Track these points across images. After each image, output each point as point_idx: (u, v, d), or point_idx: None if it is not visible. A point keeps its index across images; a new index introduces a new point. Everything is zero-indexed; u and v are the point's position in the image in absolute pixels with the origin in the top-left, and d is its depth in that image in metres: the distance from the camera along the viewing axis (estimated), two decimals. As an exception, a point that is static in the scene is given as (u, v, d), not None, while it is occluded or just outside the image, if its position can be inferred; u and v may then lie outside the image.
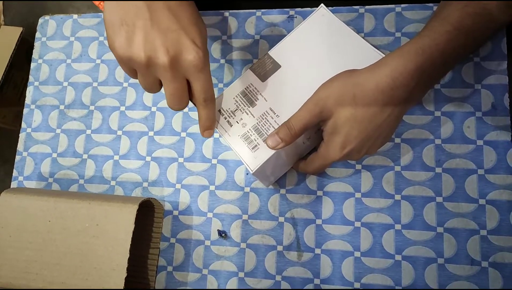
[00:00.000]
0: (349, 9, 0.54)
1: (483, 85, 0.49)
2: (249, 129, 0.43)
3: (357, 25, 0.53)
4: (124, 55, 0.37)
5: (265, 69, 0.45)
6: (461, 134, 0.48)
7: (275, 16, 0.56)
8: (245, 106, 0.44)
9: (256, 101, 0.44)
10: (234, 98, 0.45)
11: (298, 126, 0.41)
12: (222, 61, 0.55)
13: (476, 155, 0.48)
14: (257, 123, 0.43)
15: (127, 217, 0.44)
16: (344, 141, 0.41)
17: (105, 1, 0.38)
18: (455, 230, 0.46)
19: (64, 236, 0.45)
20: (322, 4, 0.46)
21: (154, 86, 0.40)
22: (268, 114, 0.44)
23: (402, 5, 0.53)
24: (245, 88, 0.45)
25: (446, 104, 0.49)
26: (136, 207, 0.44)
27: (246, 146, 0.43)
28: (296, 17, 0.55)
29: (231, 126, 0.44)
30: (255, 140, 0.43)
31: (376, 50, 0.44)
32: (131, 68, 0.38)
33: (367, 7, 0.54)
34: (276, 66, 0.45)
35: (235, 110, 0.44)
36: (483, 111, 0.49)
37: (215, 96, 0.42)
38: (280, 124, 0.42)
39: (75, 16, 0.61)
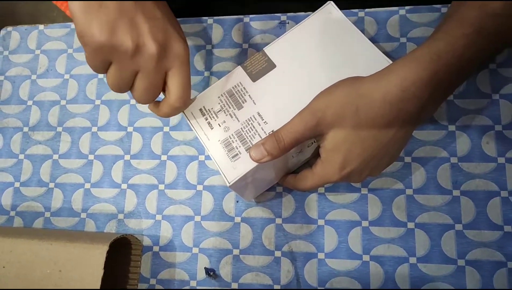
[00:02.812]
0: (347, 12, 0.48)
1: (501, 95, 0.44)
2: (232, 135, 0.38)
3: (357, 30, 0.47)
4: (106, 42, 0.32)
5: (258, 68, 0.40)
6: (479, 151, 0.43)
7: (265, 22, 0.50)
8: (230, 107, 0.39)
9: (244, 103, 0.39)
10: (219, 97, 0.39)
11: (288, 139, 0.35)
12: (207, 73, 0.49)
13: (498, 174, 0.42)
14: (241, 128, 0.38)
15: (95, 260, 0.37)
16: (344, 161, 0.35)
17: None
18: (478, 262, 0.40)
19: (21, 285, 0.38)
20: (330, 1, 0.41)
21: (129, 82, 0.35)
22: (255, 119, 0.38)
23: (407, 7, 0.47)
24: (233, 87, 0.39)
25: (461, 117, 0.44)
26: (106, 248, 0.37)
27: (225, 153, 0.37)
28: (288, 23, 0.49)
29: (212, 128, 0.38)
30: (237, 148, 0.37)
31: (386, 57, 0.38)
32: (107, 59, 0.34)
33: (367, 10, 0.48)
34: (270, 66, 0.40)
35: (219, 111, 0.39)
36: (503, 124, 0.43)
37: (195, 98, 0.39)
38: (267, 133, 0.37)
39: (41, 26, 0.54)
